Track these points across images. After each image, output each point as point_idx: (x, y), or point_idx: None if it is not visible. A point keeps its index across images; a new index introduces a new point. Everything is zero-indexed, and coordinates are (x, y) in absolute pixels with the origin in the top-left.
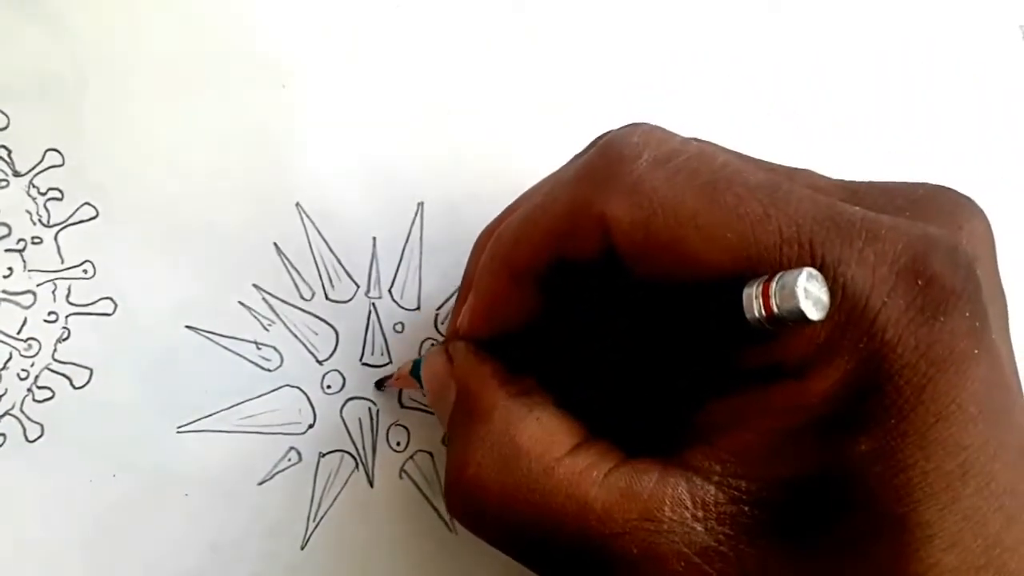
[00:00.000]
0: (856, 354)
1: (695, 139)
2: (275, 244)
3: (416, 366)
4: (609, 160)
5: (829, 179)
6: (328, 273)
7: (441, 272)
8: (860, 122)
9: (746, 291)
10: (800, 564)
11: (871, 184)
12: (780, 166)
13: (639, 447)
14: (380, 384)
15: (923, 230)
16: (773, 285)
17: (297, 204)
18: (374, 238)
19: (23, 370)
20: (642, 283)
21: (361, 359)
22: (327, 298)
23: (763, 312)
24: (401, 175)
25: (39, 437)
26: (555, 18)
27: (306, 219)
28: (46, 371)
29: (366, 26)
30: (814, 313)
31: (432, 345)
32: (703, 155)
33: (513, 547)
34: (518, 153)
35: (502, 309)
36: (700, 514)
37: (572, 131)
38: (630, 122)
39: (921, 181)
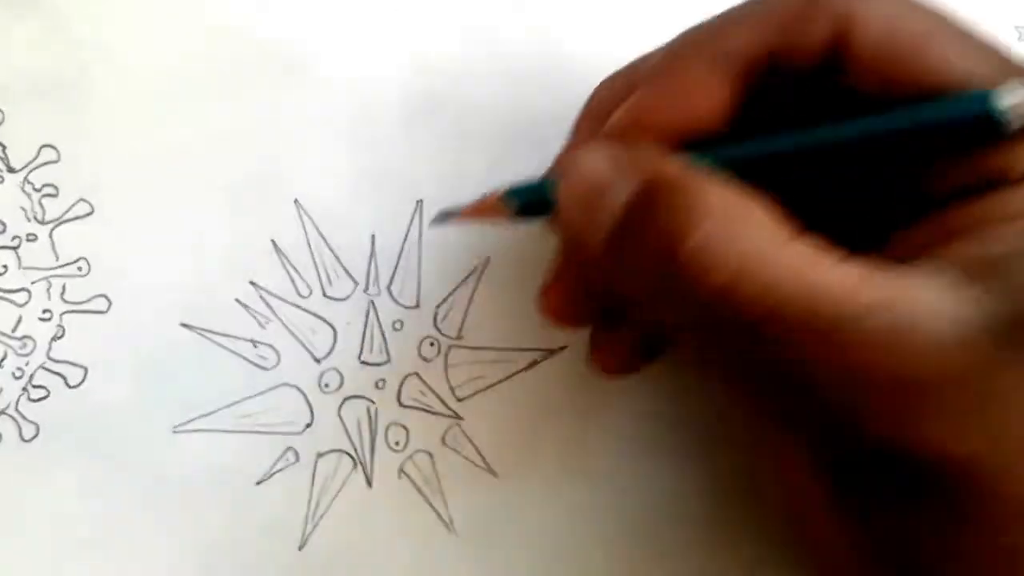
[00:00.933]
0: None
1: None
2: (272, 241)
3: (518, 194)
4: None
5: None
6: (326, 270)
7: (440, 270)
8: None
9: (1008, 95)
10: None
11: None
12: None
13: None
14: (444, 216)
15: None
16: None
17: (295, 201)
18: (373, 236)
19: (18, 369)
20: (855, 99)
21: (359, 357)
22: (325, 296)
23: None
24: (400, 173)
25: (35, 436)
26: (560, 17)
27: (304, 216)
28: (41, 370)
29: (367, 24)
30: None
31: (432, 343)
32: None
33: (721, 328)
34: (519, 152)
35: (690, 104)
36: (941, 311)
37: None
38: None
39: None
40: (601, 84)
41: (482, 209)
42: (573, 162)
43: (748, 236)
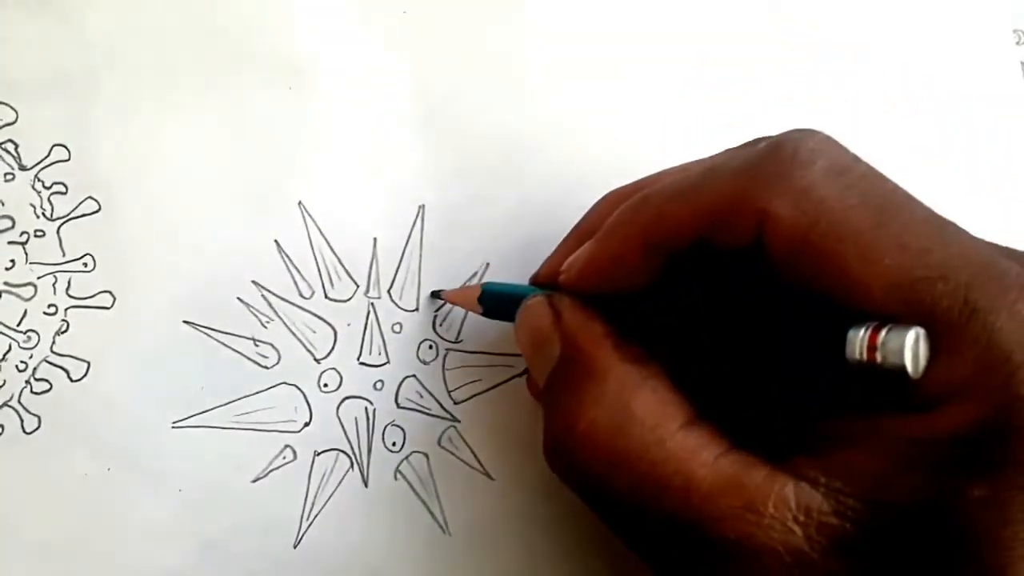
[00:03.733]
0: (991, 401)
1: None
2: (276, 242)
3: (490, 296)
4: (780, 159)
5: (969, 234)
6: (328, 272)
7: (440, 274)
8: (850, 125)
9: (852, 333)
10: None
11: (1018, 251)
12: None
13: (740, 441)
14: (436, 294)
15: None
16: (881, 336)
17: (299, 203)
18: (375, 239)
19: (22, 362)
20: (778, 282)
21: (359, 358)
22: (326, 297)
23: (864, 357)
24: (403, 178)
25: (36, 429)
26: (556, 23)
27: (308, 218)
28: (44, 363)
29: (373, 29)
30: (914, 371)
31: (431, 346)
32: (875, 176)
33: (608, 509)
34: (521, 158)
35: (622, 271)
36: (802, 519)
37: (576, 134)
38: (795, 128)
39: None
40: (605, 197)
41: (460, 298)
42: (526, 308)
43: (632, 424)
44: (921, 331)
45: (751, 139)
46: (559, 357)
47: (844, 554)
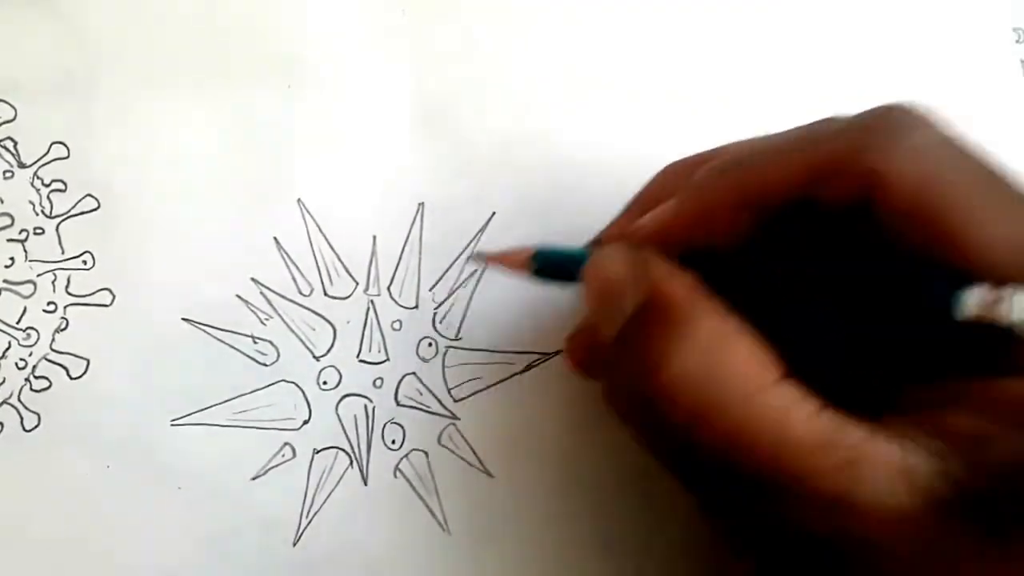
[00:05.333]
0: None
1: None
2: (275, 239)
3: (545, 256)
4: (893, 120)
5: None
6: (327, 270)
7: (440, 272)
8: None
9: (967, 291)
10: (987, 553)
11: None
12: None
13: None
14: (479, 257)
15: None
16: (1002, 294)
17: (299, 200)
18: (374, 236)
19: (21, 359)
20: (880, 243)
21: (358, 356)
22: (326, 294)
23: (984, 313)
24: (403, 175)
25: (36, 427)
26: (556, 23)
27: (307, 216)
28: (44, 361)
29: (372, 28)
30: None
31: (431, 344)
32: (979, 147)
33: (685, 459)
34: (521, 156)
35: (709, 228)
36: (905, 478)
37: (576, 133)
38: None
39: None
40: (665, 169)
41: (510, 259)
42: (599, 258)
43: (725, 376)
44: None
45: (824, 117)
46: (640, 305)
47: (947, 515)
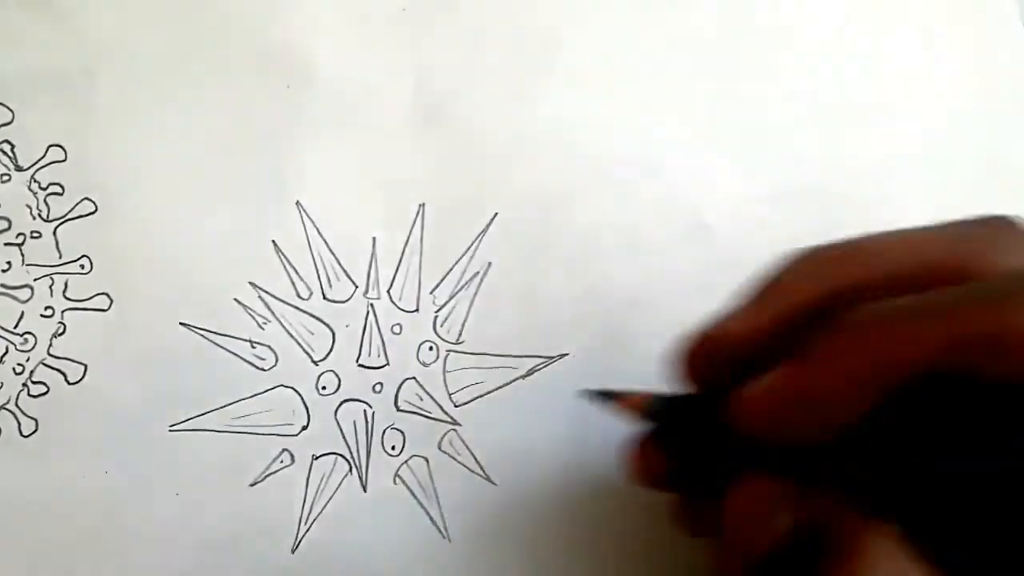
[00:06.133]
0: None
1: None
2: (273, 242)
3: (658, 413)
4: None
5: None
6: (326, 272)
7: (441, 274)
8: (857, 121)
9: None
10: None
11: None
12: None
13: None
14: (601, 395)
15: None
16: None
17: (297, 203)
18: (374, 238)
19: (19, 364)
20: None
21: (358, 360)
22: (325, 298)
23: None
24: (403, 177)
25: (33, 432)
26: (556, 22)
27: (306, 218)
28: (41, 366)
29: (372, 27)
30: None
31: (431, 348)
32: None
33: None
34: (522, 157)
35: (841, 404)
36: None
37: (576, 133)
38: (992, 216)
39: None
40: (804, 257)
41: (633, 406)
42: (744, 490)
43: None
44: None
45: (964, 219)
46: (792, 534)
47: None
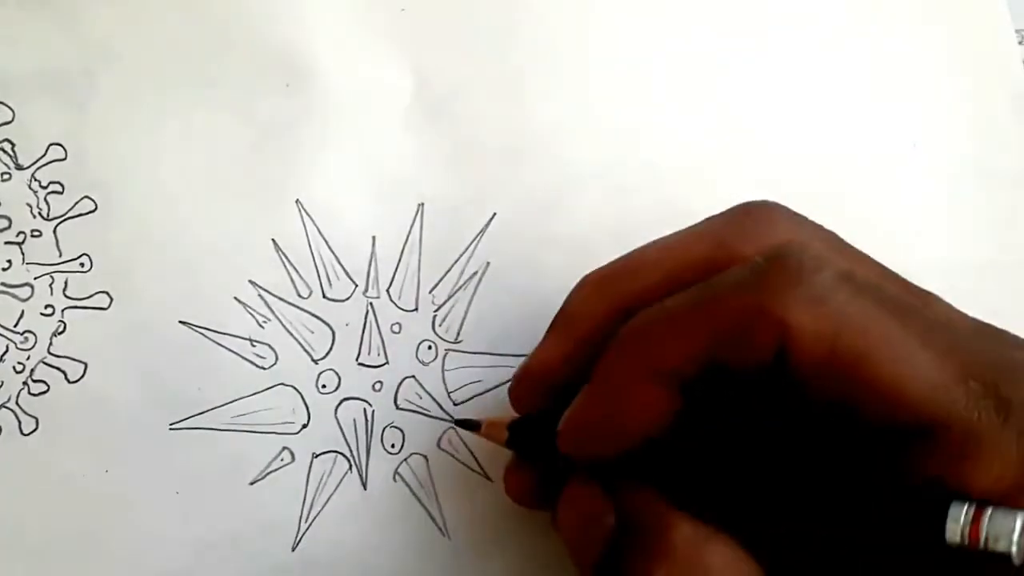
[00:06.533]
0: None
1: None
2: (273, 241)
3: (514, 436)
4: (788, 268)
5: (955, 309)
6: (326, 271)
7: (440, 273)
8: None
9: (952, 512)
10: None
11: (987, 325)
12: (914, 286)
13: None
14: (464, 424)
15: None
16: (984, 520)
17: (297, 201)
18: (373, 237)
19: (19, 363)
20: (809, 402)
21: (357, 359)
22: (324, 296)
23: (967, 541)
24: (402, 176)
25: (34, 430)
26: (556, 21)
27: (306, 217)
28: (42, 364)
29: (371, 27)
30: (1018, 559)
31: (430, 347)
32: (874, 273)
33: None
34: (522, 156)
35: (634, 416)
36: None
37: (576, 133)
38: (751, 202)
39: None
40: (584, 283)
41: (491, 431)
42: (569, 498)
43: None
44: None
45: (721, 212)
46: (614, 528)
47: None
